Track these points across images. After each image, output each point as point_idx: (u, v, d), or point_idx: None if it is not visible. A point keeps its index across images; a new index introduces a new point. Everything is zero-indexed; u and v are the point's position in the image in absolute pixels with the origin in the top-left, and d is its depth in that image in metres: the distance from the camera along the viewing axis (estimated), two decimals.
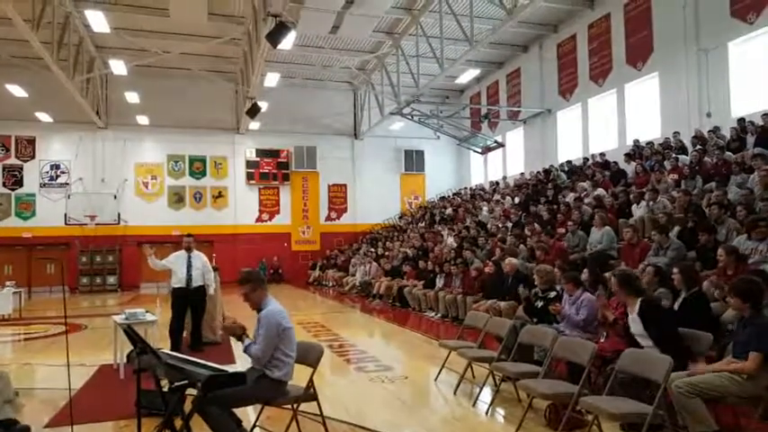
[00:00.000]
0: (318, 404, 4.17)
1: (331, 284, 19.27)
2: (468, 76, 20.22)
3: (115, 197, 21.91)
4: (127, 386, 5.80)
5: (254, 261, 22.88)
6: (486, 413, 4.96)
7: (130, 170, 22.63)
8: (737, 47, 13.04)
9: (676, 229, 8.29)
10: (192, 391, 3.54)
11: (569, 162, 16.78)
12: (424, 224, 18.99)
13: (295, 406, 4.06)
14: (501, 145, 18.26)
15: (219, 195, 23.26)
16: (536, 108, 19.29)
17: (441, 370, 6.12)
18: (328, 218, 24.62)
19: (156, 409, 4.68)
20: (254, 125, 21.83)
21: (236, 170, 23.45)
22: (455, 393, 5.60)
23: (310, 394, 4.12)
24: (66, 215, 21.23)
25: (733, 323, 4.90)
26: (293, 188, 24.18)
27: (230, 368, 3.78)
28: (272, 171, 23.71)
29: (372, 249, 18.16)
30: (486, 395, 5.38)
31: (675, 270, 5.52)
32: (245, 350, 3.98)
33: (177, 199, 23.07)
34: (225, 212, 23.24)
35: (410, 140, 24.70)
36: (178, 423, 3.74)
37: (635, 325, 4.55)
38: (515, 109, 20.05)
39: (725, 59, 13.26)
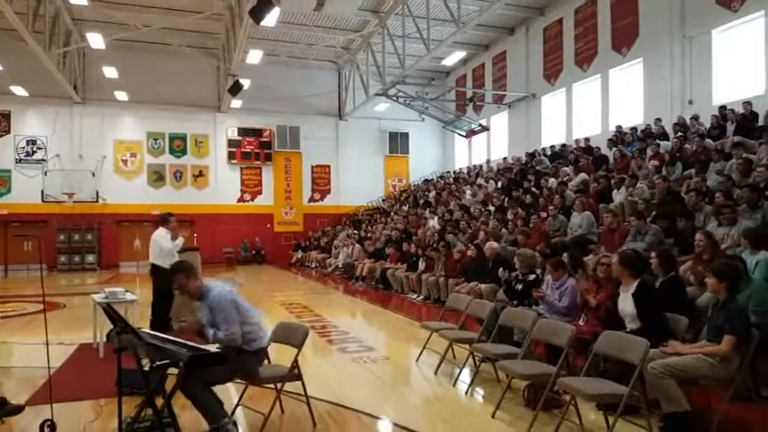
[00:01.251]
0: (303, 384, 4.20)
1: (313, 266, 19.26)
2: (454, 58, 20.13)
3: (93, 174, 21.53)
4: (106, 365, 5.75)
5: (235, 241, 22.83)
6: (466, 393, 5.03)
7: (109, 147, 22.22)
8: (721, 34, 13.14)
9: (653, 214, 8.42)
10: (173, 371, 3.54)
11: (552, 147, 16.87)
12: (407, 207, 19.00)
13: (279, 386, 4.08)
14: (485, 128, 18.27)
15: (200, 174, 22.98)
16: (521, 92, 19.30)
17: (422, 351, 6.18)
18: (311, 199, 24.49)
19: (137, 388, 4.67)
20: (237, 103, 21.49)
21: (217, 149, 23.14)
22: (436, 374, 5.67)
23: (295, 374, 4.14)
24: (42, 192, 20.83)
25: (707, 307, 5.03)
26: (276, 168, 23.96)
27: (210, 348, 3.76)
28: (254, 150, 23.46)
29: (355, 231, 18.15)
30: (466, 376, 5.45)
31: (653, 254, 5.63)
32: (214, 339, 3.88)
33: (157, 177, 22.75)
34: (206, 192, 22.97)
35: (395, 122, 24.56)
36: (159, 402, 3.75)
37: (625, 304, 4.63)
38: (500, 93, 20.04)
39: (708, 47, 13.37)
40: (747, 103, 11.39)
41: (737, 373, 3.94)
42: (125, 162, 22.49)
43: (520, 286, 6.11)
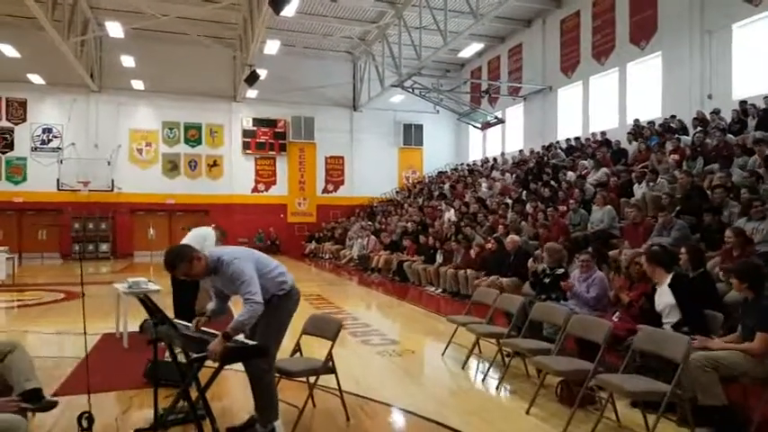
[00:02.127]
0: (337, 378, 4.21)
1: (327, 257, 19.29)
2: (471, 50, 19.96)
3: (109, 163, 21.63)
4: (132, 355, 5.80)
5: (250, 231, 22.88)
6: (497, 389, 5.03)
7: (124, 136, 22.29)
8: (742, 29, 12.96)
9: (677, 209, 8.34)
10: (210, 363, 3.54)
11: (568, 140, 16.75)
12: (422, 199, 18.96)
13: (313, 379, 4.09)
14: (501, 121, 18.16)
15: (215, 164, 23.03)
16: (537, 85, 19.14)
17: (448, 345, 6.17)
18: (325, 190, 24.48)
19: (167, 379, 4.71)
20: (252, 93, 21.49)
21: (232, 139, 23.18)
22: (463, 368, 5.67)
23: (329, 367, 4.14)
24: (58, 180, 20.95)
25: (736, 304, 4.99)
26: (290, 159, 23.97)
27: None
28: (268, 141, 23.47)
29: (370, 223, 18.15)
30: (494, 371, 5.44)
31: (683, 250, 5.58)
32: (240, 322, 3.47)
33: (172, 167, 22.82)
34: (220, 182, 23.03)
35: (409, 114, 24.46)
36: (193, 393, 3.77)
37: (663, 298, 4.61)
38: (516, 85, 19.89)
39: (728, 41, 13.20)
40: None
41: None
42: (140, 151, 22.56)
43: (548, 280, 6.07)
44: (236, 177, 23.18)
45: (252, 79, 17.55)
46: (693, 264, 5.37)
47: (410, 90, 18.44)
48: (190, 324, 3.88)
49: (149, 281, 7.03)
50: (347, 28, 19.77)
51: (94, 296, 11.11)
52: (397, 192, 23.69)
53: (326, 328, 4.34)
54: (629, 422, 4.08)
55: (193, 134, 22.83)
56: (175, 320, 4.02)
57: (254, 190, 23.58)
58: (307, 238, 23.07)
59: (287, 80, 22.56)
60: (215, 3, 16.49)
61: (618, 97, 16.35)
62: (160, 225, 22.46)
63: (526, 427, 4.20)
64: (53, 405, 3.69)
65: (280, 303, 3.84)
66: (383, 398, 4.73)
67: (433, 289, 11.26)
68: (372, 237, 15.79)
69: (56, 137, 21.53)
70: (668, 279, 4.71)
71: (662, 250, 4.97)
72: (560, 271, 6.11)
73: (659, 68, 14.98)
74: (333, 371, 4.18)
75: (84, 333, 4.23)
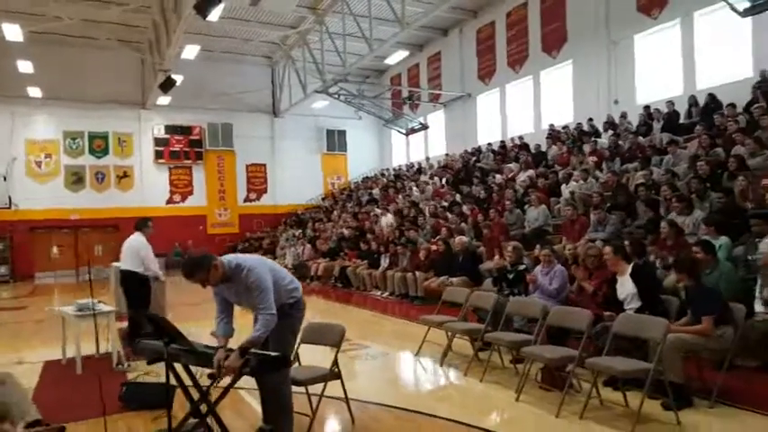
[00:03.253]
0: (342, 383, 4.24)
1: None
2: (397, 57, 20.25)
3: (5, 178, 19.76)
4: (91, 380, 5.44)
5: (166, 246, 21.72)
6: (481, 381, 5.25)
7: (20, 147, 20.45)
8: (643, 39, 14.26)
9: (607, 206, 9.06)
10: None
11: (489, 145, 17.56)
12: (351, 204, 19.05)
13: (322, 387, 4.10)
14: (426, 127, 18.73)
15: (125, 175, 21.68)
16: (456, 92, 19.88)
17: (421, 345, 6.34)
18: (247, 199, 23.81)
19: (146, 403, 4.54)
20: (164, 100, 20.48)
21: (142, 148, 21.93)
22: (442, 365, 5.86)
23: (336, 373, 4.17)
24: None
25: (674, 288, 5.60)
26: (208, 168, 23.09)
27: None
28: (183, 149, 22.47)
29: (300, 231, 17.97)
30: (474, 365, 5.65)
31: (627, 242, 6.17)
32: (257, 335, 3.48)
33: (76, 179, 21.23)
34: (131, 194, 21.66)
35: (331, 120, 24.36)
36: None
37: (625, 287, 5.03)
38: (436, 92, 20.55)
39: (631, 51, 14.47)
40: (670, 103, 12.46)
41: (732, 344, 4.43)
42: (39, 164, 20.81)
43: (511, 276, 6.41)
44: (149, 188, 21.96)
45: (167, 85, 16.81)
46: (637, 254, 5.94)
47: (336, 96, 18.49)
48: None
49: (99, 302, 6.64)
50: (266, 33, 19.48)
51: (8, 323, 10.26)
52: (323, 198, 23.59)
53: (328, 336, 4.37)
54: (609, 401, 4.43)
55: (99, 144, 21.37)
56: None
57: (170, 201, 22.48)
58: (230, 250, 22.31)
59: (202, 86, 21.76)
60: (123, 5, 15.63)
61: (533, 103, 17.38)
62: (65, 243, 20.90)
63: (520, 413, 4.46)
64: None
65: (291, 312, 3.84)
66: (381, 400, 4.81)
67: (379, 293, 11.40)
68: (308, 245, 15.66)
69: None
70: (629, 269, 5.16)
71: (626, 242, 5.43)
72: (522, 266, 6.48)
73: (570, 76, 16.12)
74: (339, 377, 4.21)
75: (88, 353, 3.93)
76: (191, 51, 16.54)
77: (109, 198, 21.41)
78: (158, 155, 22.14)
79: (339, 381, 4.23)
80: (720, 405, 4.22)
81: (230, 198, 23.50)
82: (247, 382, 3.71)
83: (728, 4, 9.86)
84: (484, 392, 5.04)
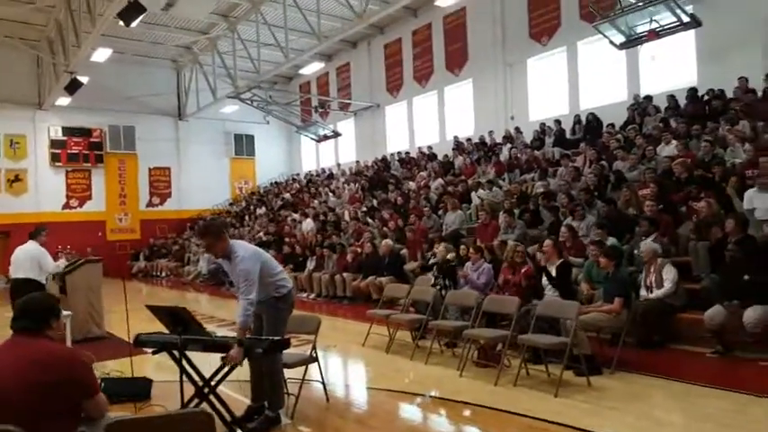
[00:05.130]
0: (319, 366, 4.90)
1: (164, 275, 18.46)
2: (313, 67, 20.69)
3: None
4: None
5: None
6: (425, 363, 6.10)
7: None
8: (534, 63, 16.06)
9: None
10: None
11: (399, 153, 18.69)
12: (265, 209, 19.29)
13: (304, 369, 4.73)
14: (338, 134, 19.48)
15: (17, 179, 20.29)
16: (366, 102, 20.84)
17: (366, 337, 7.11)
18: (150, 204, 23.13)
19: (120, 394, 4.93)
20: (63, 101, 19.46)
21: (37, 150, 20.66)
22: (388, 352, 6.66)
23: (314, 358, 4.83)
24: None
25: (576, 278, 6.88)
26: (108, 171, 22.16)
27: None
28: (82, 152, 21.41)
29: None
30: (417, 351, 6.51)
31: (547, 242, 7.33)
32: (243, 324, 4.08)
33: None
34: (24, 199, 20.34)
35: (240, 124, 24.29)
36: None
37: (551, 277, 6.14)
38: (346, 101, 21.38)
39: (525, 73, 16.23)
40: (557, 121, 14.21)
41: (627, 323, 5.66)
42: None
43: (443, 274, 7.37)
44: (44, 193, 20.72)
45: (73, 87, 16.15)
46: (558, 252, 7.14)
47: (249, 102, 18.71)
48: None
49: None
50: (176, 37, 19.21)
51: None
52: (231, 203, 23.47)
53: (307, 325, 5.01)
54: (534, 372, 5.47)
55: None
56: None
57: (66, 206, 21.32)
58: (131, 257, 21.60)
59: (104, 87, 20.80)
60: (30, 4, 14.87)
61: (438, 116, 18.77)
62: None
63: (465, 385, 5.35)
64: None
65: (277, 304, 4.44)
66: (347, 383, 5.51)
67: (305, 294, 11.95)
68: None
69: None
70: (558, 262, 6.31)
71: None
72: (453, 263, 7.47)
73: (471, 92, 17.67)
74: (316, 360, 4.87)
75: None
76: (102, 54, 16.03)
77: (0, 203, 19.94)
78: (55, 158, 20.97)
79: (316, 364, 4.88)
80: (619, 372, 5.39)
81: (131, 203, 22.70)
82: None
83: (607, 38, 11.56)
84: (431, 371, 5.90)
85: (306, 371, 4.80)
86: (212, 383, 4.08)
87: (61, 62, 16.60)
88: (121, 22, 12.81)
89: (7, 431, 2.23)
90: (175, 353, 4.08)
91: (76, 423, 2.57)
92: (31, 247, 7.29)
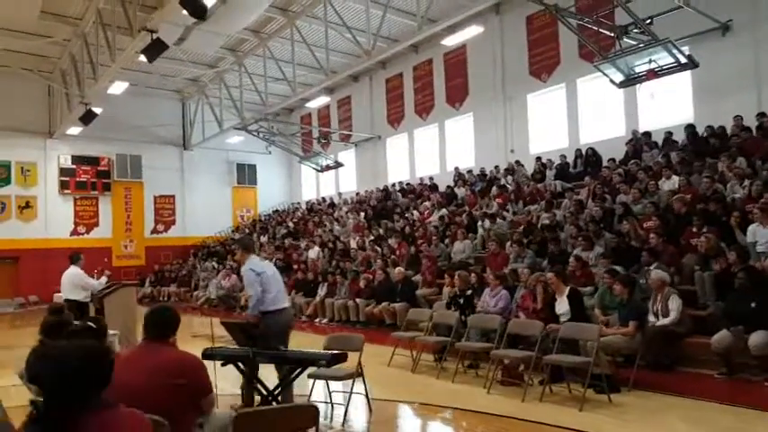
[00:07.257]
0: (363, 380, 5.34)
1: (173, 300, 18.68)
2: (319, 101, 21.37)
3: None
4: None
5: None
6: (453, 381, 6.53)
7: None
8: (534, 98, 16.74)
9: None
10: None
11: (400, 183, 19.24)
12: (268, 237, 19.69)
13: (352, 383, 5.18)
14: (340, 165, 20.05)
15: (27, 206, 20.58)
16: (367, 133, 21.45)
17: (392, 358, 7.51)
18: (154, 230, 23.44)
19: None
20: (73, 130, 19.94)
21: (47, 178, 21.03)
22: (413, 372, 7.07)
23: (360, 373, 5.28)
24: None
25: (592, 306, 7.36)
26: (115, 199, 22.53)
27: None
28: (90, 180, 21.80)
29: (220, 263, 18.30)
30: (442, 370, 6.92)
31: (550, 274, 7.81)
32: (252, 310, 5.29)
33: None
34: (34, 225, 20.64)
35: (242, 154, 24.81)
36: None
37: (562, 306, 6.61)
38: (347, 133, 22.00)
39: (525, 107, 16.89)
40: (563, 156, 14.73)
41: (641, 345, 6.14)
42: None
43: (462, 300, 7.82)
44: (53, 220, 21.02)
45: (88, 118, 16.67)
46: (563, 281, 7.62)
47: (255, 134, 19.29)
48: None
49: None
50: (186, 70, 19.84)
51: None
52: (233, 231, 23.83)
53: (352, 343, 5.46)
54: (556, 390, 5.90)
55: (1, 173, 20.16)
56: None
57: (74, 233, 21.59)
58: (140, 282, 21.74)
59: (112, 117, 21.23)
60: (45, 37, 15.45)
61: (439, 148, 19.39)
62: None
63: (494, 401, 5.78)
64: None
65: (265, 318, 5.21)
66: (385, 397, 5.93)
67: (318, 319, 12.31)
68: (234, 275, 16.06)
69: None
70: (567, 291, 6.78)
71: (564, 270, 7.03)
72: (469, 292, 7.92)
73: (472, 126, 18.33)
74: (361, 374, 5.31)
75: None
76: (119, 87, 16.60)
77: (9, 229, 20.34)
78: (64, 185, 21.35)
79: (362, 378, 5.33)
80: (635, 390, 5.83)
81: (137, 229, 23.02)
82: None
83: (607, 76, 12.21)
84: (459, 389, 6.33)
85: (353, 384, 5.23)
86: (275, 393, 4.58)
87: (75, 93, 17.13)
88: (142, 57, 13.49)
89: (155, 421, 2.65)
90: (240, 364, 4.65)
91: (196, 416, 3.02)
92: (72, 272, 7.90)
